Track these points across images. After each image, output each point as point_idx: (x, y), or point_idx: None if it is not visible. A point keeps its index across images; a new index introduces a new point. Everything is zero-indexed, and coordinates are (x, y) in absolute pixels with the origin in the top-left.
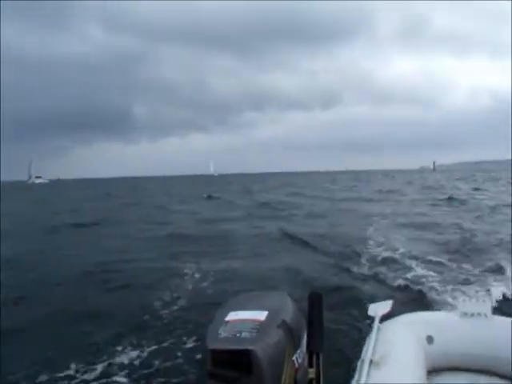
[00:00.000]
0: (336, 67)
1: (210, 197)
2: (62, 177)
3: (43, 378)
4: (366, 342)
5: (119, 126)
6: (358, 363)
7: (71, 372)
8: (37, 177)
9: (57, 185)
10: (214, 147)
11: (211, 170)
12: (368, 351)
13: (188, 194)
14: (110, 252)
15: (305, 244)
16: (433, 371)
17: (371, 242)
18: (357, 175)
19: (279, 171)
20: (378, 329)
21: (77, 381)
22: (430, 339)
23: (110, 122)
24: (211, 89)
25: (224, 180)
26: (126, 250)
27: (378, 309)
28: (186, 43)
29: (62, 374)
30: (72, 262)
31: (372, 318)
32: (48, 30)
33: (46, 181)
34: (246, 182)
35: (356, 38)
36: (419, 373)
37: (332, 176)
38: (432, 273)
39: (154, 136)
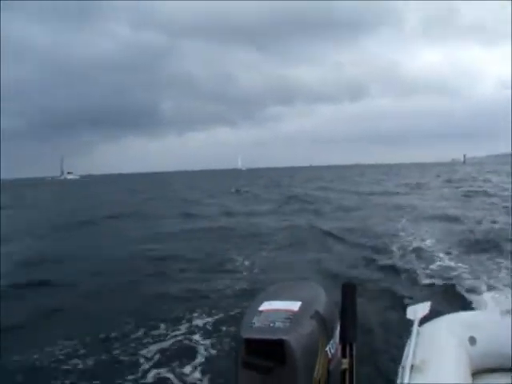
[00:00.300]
0: (362, 59)
1: (238, 191)
2: (92, 172)
3: (142, 331)
4: (406, 346)
5: (146, 122)
6: (399, 369)
7: (162, 330)
8: (68, 172)
9: (87, 180)
10: (241, 141)
11: (239, 164)
12: (409, 356)
13: (216, 189)
14: (161, 241)
15: (334, 237)
16: (476, 373)
17: (401, 234)
18: (389, 168)
19: (307, 165)
20: (418, 332)
21: (168, 335)
22: (472, 340)
23: (138, 118)
24: (237, 83)
25: (252, 174)
26: (171, 239)
27: (416, 311)
28: (209, 38)
29: (155, 332)
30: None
31: (410, 321)
32: (76, 29)
33: (77, 176)
34: (274, 176)
35: (382, 30)
36: (464, 375)
37: (361, 169)
38: (464, 266)
39: (180, 131)
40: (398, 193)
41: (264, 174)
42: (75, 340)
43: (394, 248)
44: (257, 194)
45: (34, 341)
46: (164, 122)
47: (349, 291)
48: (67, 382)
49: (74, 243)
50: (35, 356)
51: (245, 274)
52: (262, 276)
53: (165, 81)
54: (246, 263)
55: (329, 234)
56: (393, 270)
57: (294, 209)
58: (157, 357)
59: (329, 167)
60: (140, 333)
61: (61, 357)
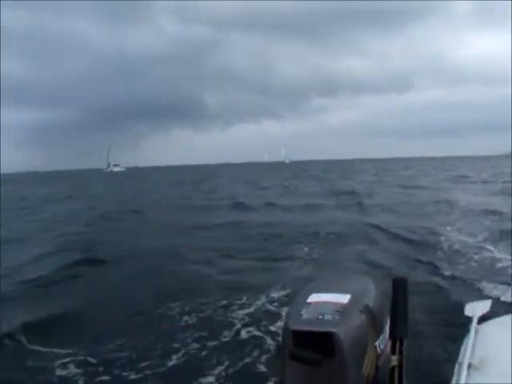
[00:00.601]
0: (410, 48)
1: (284, 186)
2: (139, 165)
3: (228, 301)
4: (463, 344)
5: (192, 114)
6: (456, 367)
7: (244, 300)
8: (115, 165)
9: (134, 172)
10: (284, 134)
11: (283, 156)
12: (466, 354)
13: (264, 182)
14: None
15: (382, 230)
16: None
17: (448, 229)
18: (441, 162)
19: (351, 158)
20: (476, 330)
21: (248, 304)
22: None
23: (184, 111)
24: (281, 75)
25: (296, 167)
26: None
27: (475, 309)
28: (255, 30)
29: (239, 301)
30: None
31: (468, 318)
32: (125, 25)
33: (123, 169)
34: (317, 169)
35: (430, 17)
36: None
37: (406, 163)
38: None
39: (225, 123)
40: (446, 187)
41: (307, 166)
42: (180, 301)
43: (445, 244)
44: (304, 188)
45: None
46: (210, 115)
47: (400, 286)
48: (179, 336)
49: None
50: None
51: (306, 258)
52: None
53: (211, 73)
54: (306, 249)
55: (377, 227)
56: (443, 265)
57: (341, 203)
58: (246, 319)
59: (373, 160)
60: (226, 301)
61: (177, 316)
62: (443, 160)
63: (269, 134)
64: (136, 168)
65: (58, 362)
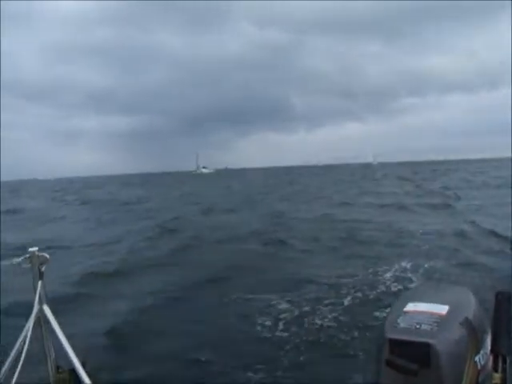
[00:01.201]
0: (499, 44)
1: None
2: (227, 166)
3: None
4: None
5: (276, 117)
6: None
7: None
8: (203, 167)
9: (223, 174)
10: (370, 135)
11: (370, 158)
12: None
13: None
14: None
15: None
16: None
17: None
18: None
19: (439, 159)
20: None
21: (380, 273)
22: None
23: (268, 114)
24: (365, 76)
25: (384, 168)
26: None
27: None
28: (335, 32)
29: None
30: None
31: None
32: (205, 32)
33: (212, 170)
34: (408, 171)
35: None
36: None
37: (499, 163)
38: None
39: (309, 125)
40: None
41: (397, 168)
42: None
43: None
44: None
45: None
46: (293, 117)
47: (503, 299)
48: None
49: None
50: None
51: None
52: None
53: (293, 76)
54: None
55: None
56: None
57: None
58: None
59: (463, 161)
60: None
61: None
62: None
63: (354, 135)
64: (225, 170)
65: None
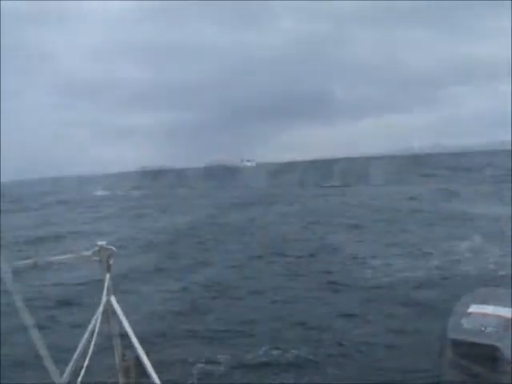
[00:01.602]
0: None
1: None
2: (270, 160)
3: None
4: None
5: (318, 109)
6: None
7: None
8: (247, 160)
9: (265, 168)
10: (415, 125)
11: (416, 148)
12: None
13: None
14: None
15: None
16: None
17: None
18: None
19: (492, 149)
20: None
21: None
22: None
23: (309, 106)
24: (408, 65)
25: (433, 159)
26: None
27: None
28: (375, 21)
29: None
30: None
31: None
32: (248, 27)
33: (254, 164)
34: (455, 162)
35: None
36: None
37: None
38: None
39: (352, 117)
40: None
41: (446, 159)
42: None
43: None
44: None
45: None
46: (336, 109)
47: None
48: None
49: None
50: None
51: None
52: None
53: (335, 68)
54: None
55: None
56: None
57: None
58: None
59: None
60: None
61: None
62: None
63: (399, 125)
64: (267, 164)
65: None
